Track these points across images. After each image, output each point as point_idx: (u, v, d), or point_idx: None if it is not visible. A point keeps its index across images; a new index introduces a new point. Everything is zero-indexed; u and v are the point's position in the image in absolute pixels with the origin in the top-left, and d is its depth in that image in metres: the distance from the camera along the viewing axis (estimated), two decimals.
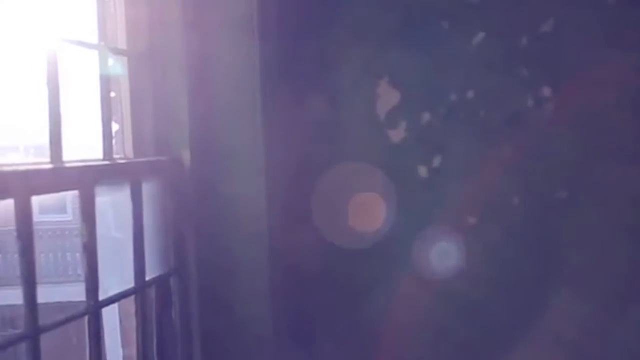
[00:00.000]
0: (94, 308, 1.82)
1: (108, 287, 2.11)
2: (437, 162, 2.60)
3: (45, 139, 1.91)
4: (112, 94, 2.18)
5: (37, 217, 1.66)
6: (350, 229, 2.57)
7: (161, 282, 2.22)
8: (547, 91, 2.54)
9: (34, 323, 1.60)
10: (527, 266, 2.57)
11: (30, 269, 1.57)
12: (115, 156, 2.11)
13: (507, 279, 2.58)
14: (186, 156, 2.26)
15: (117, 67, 2.23)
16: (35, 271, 1.58)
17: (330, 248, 2.58)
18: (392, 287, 2.59)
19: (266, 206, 2.31)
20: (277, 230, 2.39)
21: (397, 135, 2.61)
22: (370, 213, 2.58)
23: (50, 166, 1.77)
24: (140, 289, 2.08)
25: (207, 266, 2.29)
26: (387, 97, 2.61)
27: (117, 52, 2.21)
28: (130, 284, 2.08)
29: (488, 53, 2.56)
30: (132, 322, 2.12)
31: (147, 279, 2.10)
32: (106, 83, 2.09)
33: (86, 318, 1.83)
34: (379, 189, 2.59)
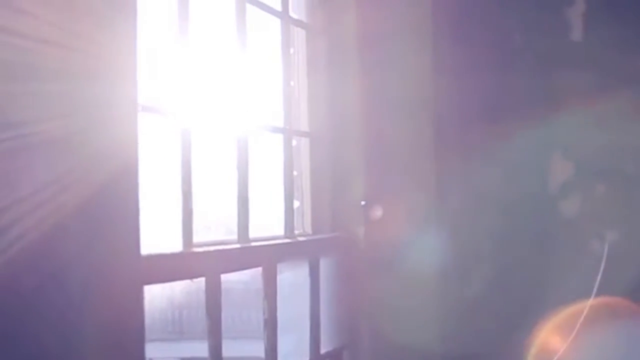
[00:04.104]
0: None
1: (285, 354, 2.21)
2: (612, 235, 2.55)
3: (233, 217, 2.05)
4: (295, 173, 2.31)
5: None
6: (522, 307, 2.54)
7: (334, 355, 2.30)
8: None
9: None
10: None
11: (217, 346, 1.70)
12: (295, 232, 2.24)
13: None
14: (361, 232, 2.35)
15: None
16: (221, 348, 1.71)
17: (502, 329, 2.53)
18: None
19: (438, 287, 2.35)
20: (450, 314, 2.39)
21: (571, 207, 2.60)
22: (542, 289, 2.56)
23: (237, 246, 1.92)
24: None
25: (380, 342, 2.34)
26: (561, 170, 2.61)
27: (300, 134, 2.35)
28: (304, 354, 2.17)
29: None
30: None
31: (322, 352, 2.19)
32: (289, 163, 2.22)
33: None
34: (551, 263, 2.57)
